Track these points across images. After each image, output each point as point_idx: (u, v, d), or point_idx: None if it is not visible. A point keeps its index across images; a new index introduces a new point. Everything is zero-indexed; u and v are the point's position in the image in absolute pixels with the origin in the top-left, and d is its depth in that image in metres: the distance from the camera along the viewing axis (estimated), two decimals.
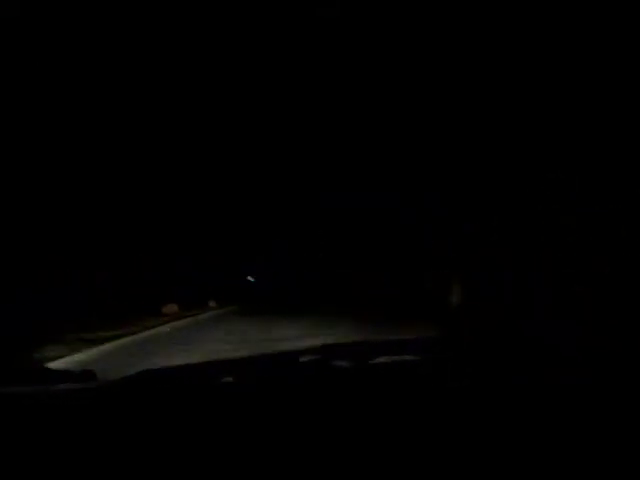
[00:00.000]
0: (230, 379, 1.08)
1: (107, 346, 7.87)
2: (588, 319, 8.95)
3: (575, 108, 11.62)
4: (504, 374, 1.08)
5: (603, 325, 7.79)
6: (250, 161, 21.43)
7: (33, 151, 10.91)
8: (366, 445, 0.76)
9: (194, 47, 13.03)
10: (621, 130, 10.98)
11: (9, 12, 9.04)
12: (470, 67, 13.38)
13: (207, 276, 20.48)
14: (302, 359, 1.14)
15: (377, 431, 0.79)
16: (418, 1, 12.50)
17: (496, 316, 10.87)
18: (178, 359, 6.06)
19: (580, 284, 14.40)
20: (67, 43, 10.80)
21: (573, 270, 15.58)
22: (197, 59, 13.60)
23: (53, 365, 5.58)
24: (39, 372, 1.25)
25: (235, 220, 25.70)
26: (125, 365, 5.96)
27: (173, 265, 17.76)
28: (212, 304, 16.71)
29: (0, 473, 0.72)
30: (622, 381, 1.02)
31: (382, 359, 1.14)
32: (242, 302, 19.92)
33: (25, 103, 10.30)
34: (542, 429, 0.80)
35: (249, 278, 28.49)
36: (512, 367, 1.13)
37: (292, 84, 15.91)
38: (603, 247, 14.44)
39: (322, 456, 0.73)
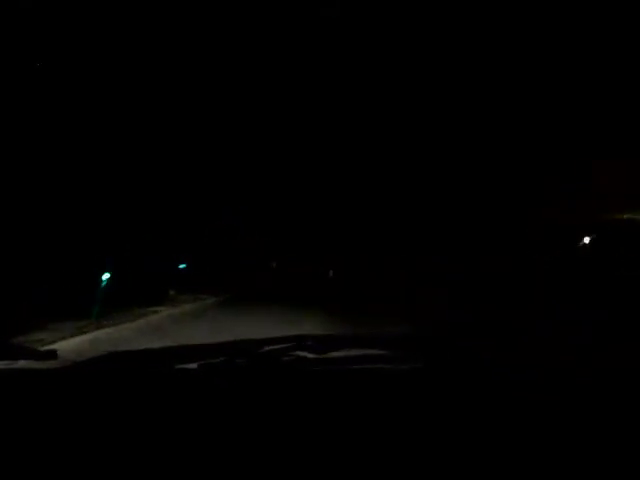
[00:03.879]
0: (194, 365, 1.06)
1: None
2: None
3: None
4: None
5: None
6: (247, 162, 21.41)
7: None
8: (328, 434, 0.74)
9: (197, 46, 13.03)
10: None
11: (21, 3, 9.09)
12: (469, 66, 13.41)
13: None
14: (268, 348, 1.12)
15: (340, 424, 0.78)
16: (418, 1, 12.52)
17: None
18: None
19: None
20: (67, 42, 10.81)
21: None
22: (200, 58, 13.60)
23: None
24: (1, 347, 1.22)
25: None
26: None
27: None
28: None
29: None
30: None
31: (351, 352, 1.12)
32: None
33: (22, 103, 10.26)
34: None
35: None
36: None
37: (294, 83, 15.91)
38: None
39: (281, 443, 0.72)
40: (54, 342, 5.78)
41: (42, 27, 10.33)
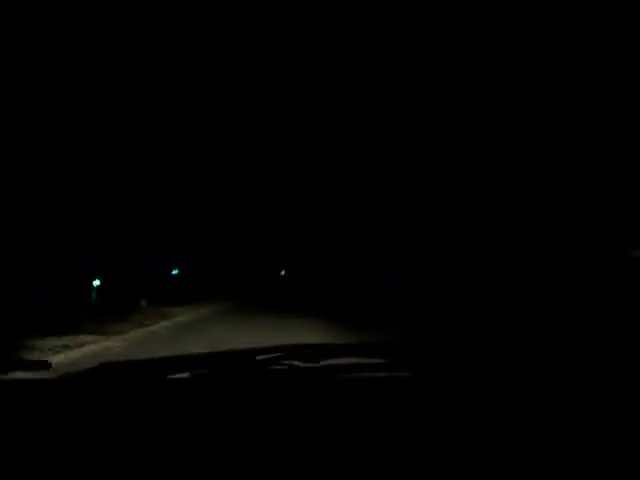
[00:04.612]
0: (186, 375, 1.07)
1: None
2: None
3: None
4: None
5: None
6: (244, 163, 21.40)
7: None
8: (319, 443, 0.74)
9: (197, 46, 13.04)
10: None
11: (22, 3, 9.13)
12: (469, 66, 13.42)
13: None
14: (260, 358, 1.12)
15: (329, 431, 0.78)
16: (418, 1, 12.53)
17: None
18: None
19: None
20: (67, 42, 10.82)
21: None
22: (200, 58, 13.60)
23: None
24: None
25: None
26: None
27: None
28: None
29: None
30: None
31: (335, 361, 1.12)
32: None
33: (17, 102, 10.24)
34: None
35: None
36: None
37: (294, 82, 15.92)
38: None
39: (272, 451, 0.72)
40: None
41: (42, 27, 10.34)
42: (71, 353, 6.17)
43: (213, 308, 13.29)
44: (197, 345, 6.73)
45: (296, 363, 1.11)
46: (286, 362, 1.11)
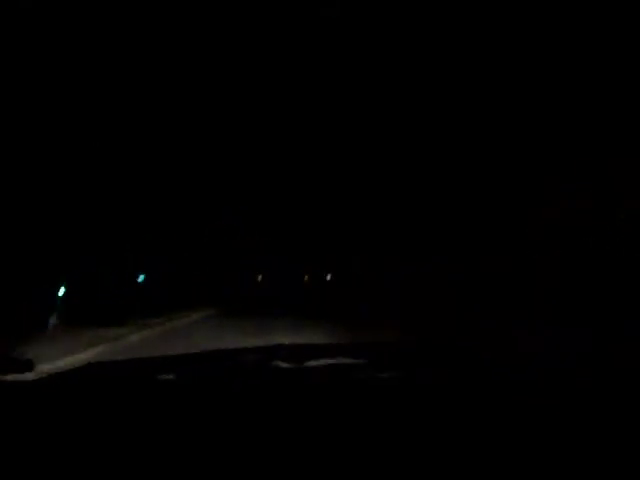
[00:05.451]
0: (170, 376, 1.05)
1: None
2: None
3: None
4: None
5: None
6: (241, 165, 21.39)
7: None
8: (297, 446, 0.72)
9: (197, 46, 13.04)
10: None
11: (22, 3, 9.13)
12: (469, 66, 13.42)
13: None
14: (243, 358, 1.12)
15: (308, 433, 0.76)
16: (418, 1, 12.53)
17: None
18: None
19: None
20: (67, 42, 10.82)
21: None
22: (200, 58, 13.60)
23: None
24: None
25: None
26: None
27: None
28: None
29: None
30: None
31: (319, 362, 1.10)
32: None
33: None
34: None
35: None
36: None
37: (294, 82, 15.92)
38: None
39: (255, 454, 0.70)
40: None
41: (42, 27, 10.33)
42: None
43: (162, 328, 10.16)
44: None
45: (280, 364, 1.09)
46: (271, 363, 1.10)
